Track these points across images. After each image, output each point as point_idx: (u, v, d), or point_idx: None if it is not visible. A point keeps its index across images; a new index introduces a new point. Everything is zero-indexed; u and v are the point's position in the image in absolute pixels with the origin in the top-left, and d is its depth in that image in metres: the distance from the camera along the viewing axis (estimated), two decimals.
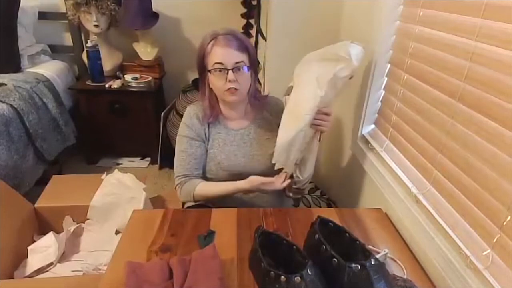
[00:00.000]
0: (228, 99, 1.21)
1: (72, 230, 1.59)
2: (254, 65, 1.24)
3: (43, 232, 1.57)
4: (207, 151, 1.29)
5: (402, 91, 1.19)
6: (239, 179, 1.26)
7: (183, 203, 1.49)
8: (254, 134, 1.29)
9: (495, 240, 0.77)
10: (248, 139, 1.29)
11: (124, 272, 0.85)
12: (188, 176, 1.26)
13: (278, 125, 1.25)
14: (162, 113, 2.49)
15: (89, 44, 2.36)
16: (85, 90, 2.45)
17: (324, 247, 0.80)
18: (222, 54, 1.14)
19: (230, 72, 1.14)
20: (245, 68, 1.17)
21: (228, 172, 1.28)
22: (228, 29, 1.19)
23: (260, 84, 2.10)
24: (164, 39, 2.63)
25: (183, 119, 1.30)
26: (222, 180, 1.29)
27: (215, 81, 1.18)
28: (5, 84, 2.04)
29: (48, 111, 2.20)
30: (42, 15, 2.54)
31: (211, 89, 1.23)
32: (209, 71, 1.17)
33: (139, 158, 2.70)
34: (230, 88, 1.16)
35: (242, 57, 1.16)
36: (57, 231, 1.60)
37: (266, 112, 1.32)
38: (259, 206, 1.25)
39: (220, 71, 1.15)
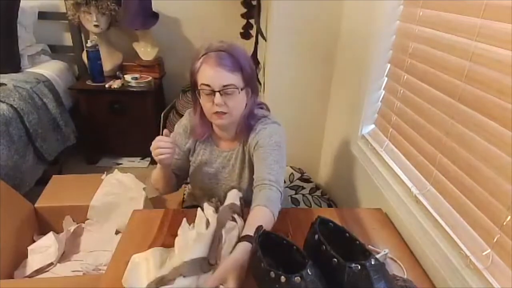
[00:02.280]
0: (215, 122, 1.14)
1: (72, 230, 1.59)
2: (251, 83, 1.12)
3: (43, 232, 1.57)
4: (190, 162, 1.26)
5: (402, 91, 1.20)
6: (211, 197, 1.20)
7: (182, 203, 1.50)
8: (234, 160, 1.20)
9: (495, 240, 0.77)
10: (228, 165, 1.21)
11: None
12: None
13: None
14: (162, 113, 2.49)
15: (89, 44, 2.36)
16: (85, 90, 2.45)
17: (324, 247, 0.80)
18: (210, 76, 1.04)
19: (217, 94, 1.04)
20: (236, 91, 1.06)
21: (203, 191, 1.28)
22: (222, 45, 1.07)
23: (260, 84, 2.10)
24: (164, 39, 2.63)
25: (179, 121, 1.28)
26: (200, 193, 1.31)
27: (203, 102, 1.09)
28: (5, 84, 2.04)
29: (48, 111, 2.20)
30: (42, 15, 2.54)
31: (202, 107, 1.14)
32: (198, 90, 1.09)
33: (139, 158, 2.69)
34: (217, 112, 1.07)
35: (233, 79, 1.05)
36: (57, 231, 1.60)
37: (255, 134, 1.15)
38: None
39: (207, 93, 1.06)
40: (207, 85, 1.04)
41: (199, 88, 1.07)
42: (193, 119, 1.21)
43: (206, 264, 0.84)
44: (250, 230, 0.88)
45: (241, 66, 1.07)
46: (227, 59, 1.04)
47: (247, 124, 1.16)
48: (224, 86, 1.04)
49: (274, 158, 1.10)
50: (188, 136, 1.23)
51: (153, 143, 1.07)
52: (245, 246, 0.85)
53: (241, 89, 1.07)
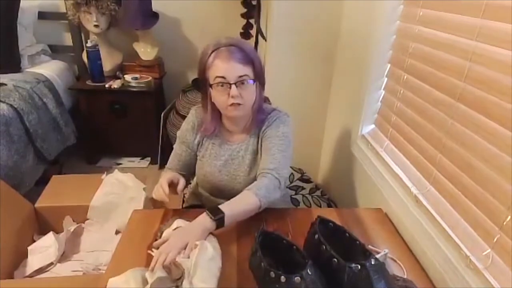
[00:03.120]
0: (230, 114, 1.14)
1: (72, 230, 1.59)
2: (260, 77, 1.15)
3: (43, 232, 1.57)
4: (197, 157, 1.27)
5: (402, 91, 1.20)
6: (220, 194, 1.25)
7: (182, 203, 1.49)
8: (244, 152, 1.22)
9: (495, 240, 0.77)
10: (237, 156, 1.22)
11: None
12: (170, 170, 1.27)
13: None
14: (162, 113, 2.49)
15: (89, 44, 2.36)
16: (85, 90, 2.45)
17: (324, 247, 0.80)
18: (224, 68, 1.06)
19: (233, 86, 1.06)
20: (250, 82, 1.09)
21: (211, 185, 1.27)
22: (231, 40, 1.10)
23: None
24: (164, 39, 2.63)
25: (185, 119, 1.29)
26: (206, 190, 1.30)
27: (218, 96, 1.10)
28: (5, 84, 2.04)
29: (48, 111, 2.20)
30: (42, 15, 2.54)
31: (213, 103, 1.15)
32: (211, 85, 1.10)
33: (139, 158, 2.69)
34: (233, 103, 1.09)
35: (246, 70, 1.08)
36: (57, 231, 1.60)
37: (265, 127, 1.20)
38: None
39: (222, 85, 1.07)
40: (222, 77, 1.07)
41: (212, 82, 1.09)
42: (201, 115, 1.23)
43: (173, 280, 0.84)
44: (224, 206, 1.02)
45: (252, 59, 1.10)
46: (238, 53, 1.08)
47: (257, 118, 1.20)
48: (240, 76, 1.07)
49: (278, 147, 1.15)
50: (196, 132, 1.25)
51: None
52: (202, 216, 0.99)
53: (254, 81, 1.11)
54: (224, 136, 1.24)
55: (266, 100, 1.28)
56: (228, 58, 1.06)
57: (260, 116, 1.20)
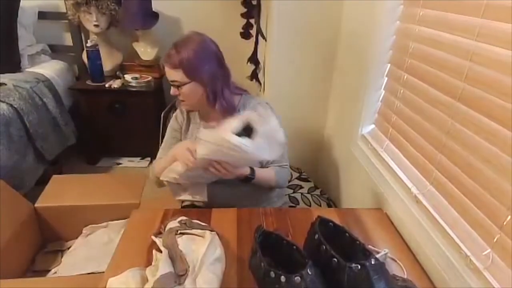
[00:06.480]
0: (181, 108, 1.29)
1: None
2: (196, 76, 1.17)
3: (43, 233, 1.57)
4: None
5: (402, 91, 1.19)
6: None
7: (182, 203, 1.49)
8: None
9: (495, 240, 0.77)
10: None
11: None
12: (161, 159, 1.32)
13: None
14: (162, 113, 2.49)
15: (89, 44, 2.36)
16: (85, 90, 2.45)
17: (324, 247, 0.80)
18: (165, 68, 1.18)
19: (172, 86, 1.19)
20: (181, 85, 1.17)
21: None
22: (179, 39, 1.18)
23: (261, 83, 2.10)
24: (164, 39, 2.63)
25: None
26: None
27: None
28: (5, 84, 2.04)
29: (48, 111, 2.20)
30: (42, 15, 2.55)
31: None
32: None
33: (139, 158, 2.70)
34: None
35: (176, 76, 1.16)
36: (57, 231, 1.60)
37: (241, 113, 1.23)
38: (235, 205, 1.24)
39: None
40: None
41: None
42: None
43: (176, 276, 0.83)
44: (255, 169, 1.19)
45: (183, 63, 1.14)
46: (173, 56, 1.14)
47: (224, 107, 1.22)
48: (172, 81, 1.18)
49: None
50: (182, 117, 1.33)
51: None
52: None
53: (186, 84, 1.16)
54: (206, 119, 1.30)
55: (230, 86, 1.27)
56: (165, 60, 1.16)
57: (227, 106, 1.22)
